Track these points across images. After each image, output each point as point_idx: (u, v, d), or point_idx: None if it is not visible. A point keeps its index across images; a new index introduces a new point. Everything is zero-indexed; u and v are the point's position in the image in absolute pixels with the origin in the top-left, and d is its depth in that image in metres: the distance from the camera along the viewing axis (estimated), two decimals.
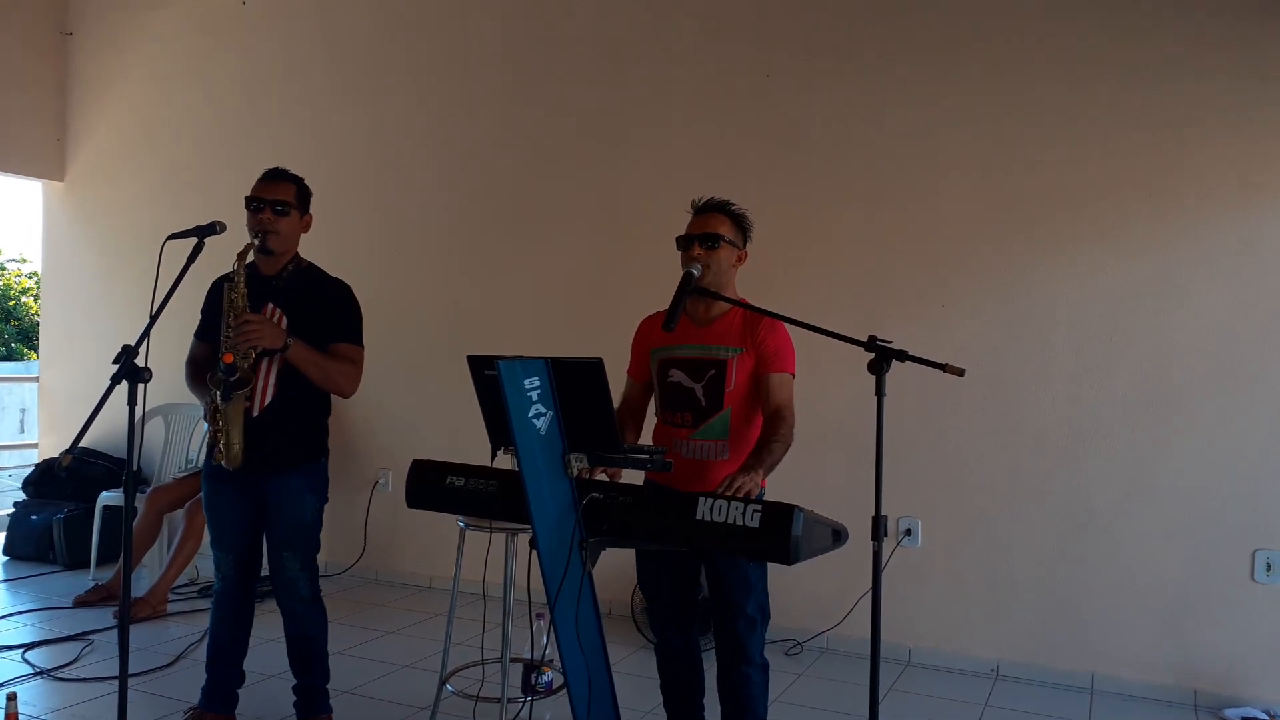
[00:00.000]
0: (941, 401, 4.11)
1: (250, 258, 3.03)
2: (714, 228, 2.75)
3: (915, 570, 4.19)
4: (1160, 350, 3.86)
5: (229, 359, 2.88)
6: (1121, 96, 3.91)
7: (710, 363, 2.74)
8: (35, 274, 16.86)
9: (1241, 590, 3.72)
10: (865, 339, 2.39)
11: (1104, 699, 3.82)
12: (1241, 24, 3.74)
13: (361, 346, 3.16)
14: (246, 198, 3.05)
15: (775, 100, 4.50)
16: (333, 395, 3.19)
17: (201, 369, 3.17)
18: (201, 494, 3.24)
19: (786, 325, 2.69)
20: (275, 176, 3.11)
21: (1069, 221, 3.99)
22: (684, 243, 2.76)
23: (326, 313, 3.10)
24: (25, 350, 17.55)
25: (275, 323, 2.99)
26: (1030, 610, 4.03)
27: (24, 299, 18.30)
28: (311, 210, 3.20)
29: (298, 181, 3.14)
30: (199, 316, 3.23)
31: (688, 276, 2.66)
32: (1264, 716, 3.56)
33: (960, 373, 2.35)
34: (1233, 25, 3.75)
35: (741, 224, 2.82)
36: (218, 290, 3.17)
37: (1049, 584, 4.00)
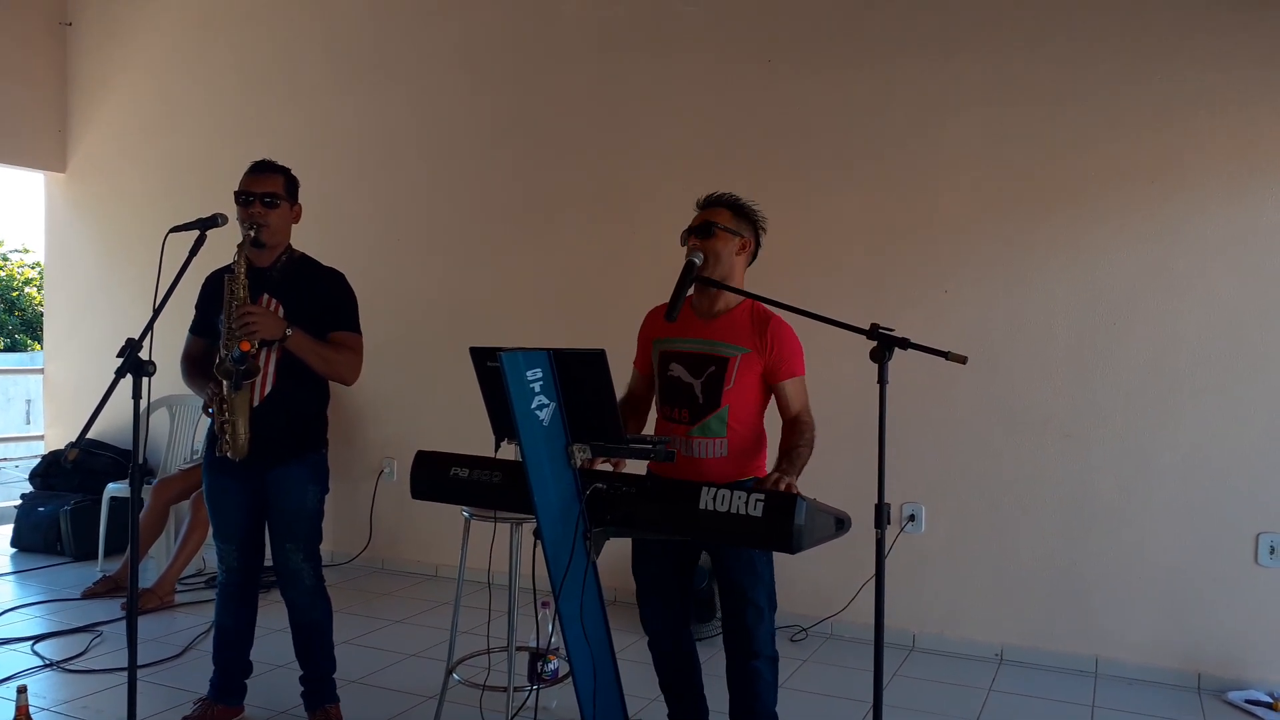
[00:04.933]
0: (945, 387, 4.11)
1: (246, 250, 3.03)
2: (710, 218, 2.73)
3: (919, 556, 4.20)
4: (1163, 336, 3.85)
5: (246, 346, 2.88)
6: (1124, 81, 3.89)
7: (711, 359, 2.71)
8: (38, 265, 16.89)
9: (1245, 574, 3.72)
10: (868, 327, 2.39)
11: (1108, 682, 3.83)
12: (1244, 7, 3.72)
13: (360, 334, 3.17)
14: (235, 192, 3.05)
15: (776, 87, 4.48)
16: (331, 385, 3.20)
17: (197, 364, 3.17)
18: (203, 487, 3.24)
19: (790, 317, 2.67)
20: (262, 169, 3.09)
21: (1071, 207, 3.97)
22: (684, 237, 2.76)
23: (323, 302, 3.10)
24: (29, 342, 17.59)
25: (273, 312, 3.00)
26: (1034, 595, 4.04)
27: (27, 290, 18.33)
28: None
29: (285, 172, 3.13)
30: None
31: (689, 266, 2.64)
32: (1268, 699, 3.57)
33: (963, 360, 2.35)
34: (1236, 9, 3.73)
35: (745, 215, 2.78)
36: (211, 285, 3.17)
37: (1053, 568, 4.01)
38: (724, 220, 2.73)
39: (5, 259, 18.73)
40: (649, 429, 2.93)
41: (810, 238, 4.38)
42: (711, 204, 2.79)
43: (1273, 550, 3.68)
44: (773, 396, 2.77)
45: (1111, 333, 3.92)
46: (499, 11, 5.14)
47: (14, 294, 18.45)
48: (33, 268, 18.18)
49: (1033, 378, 4.04)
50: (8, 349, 17.78)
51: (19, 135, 6.22)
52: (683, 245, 2.75)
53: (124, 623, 4.16)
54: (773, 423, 2.83)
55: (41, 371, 6.73)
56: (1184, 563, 3.81)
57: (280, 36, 5.72)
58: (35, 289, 17.78)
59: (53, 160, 6.42)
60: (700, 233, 2.71)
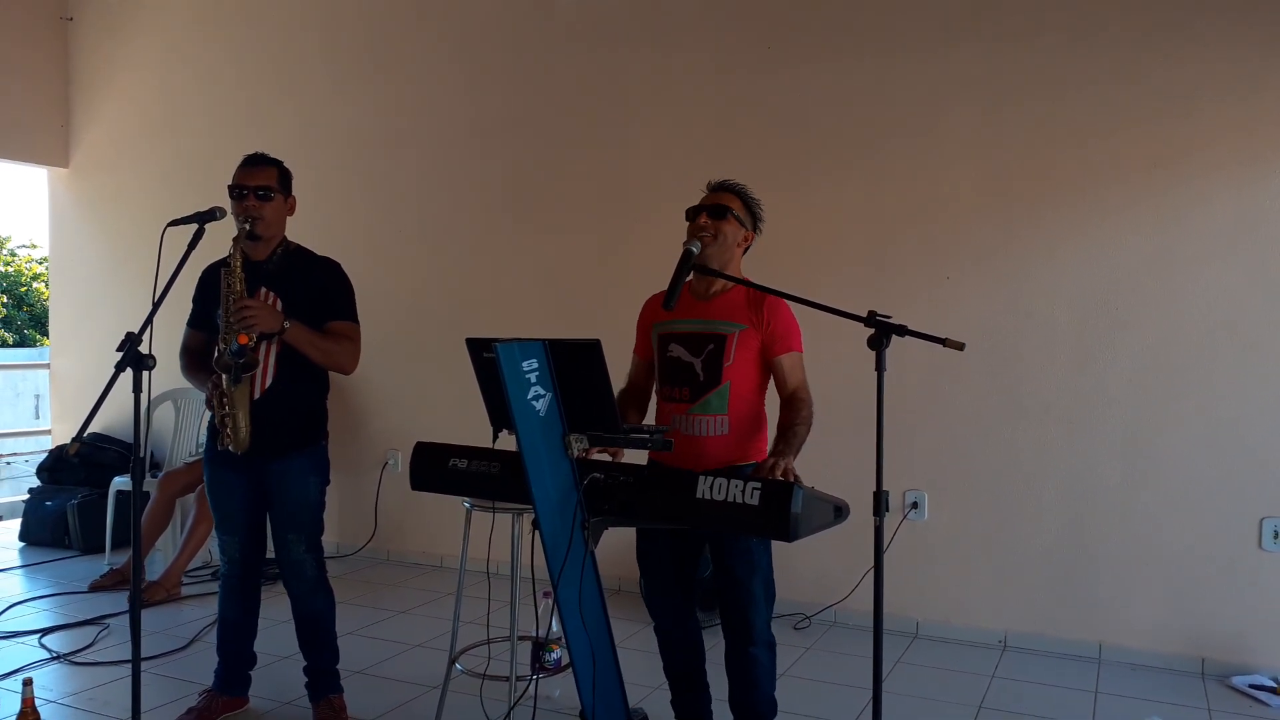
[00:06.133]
0: (947, 375, 4.10)
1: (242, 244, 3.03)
2: (723, 201, 2.76)
3: (922, 543, 4.20)
4: (1164, 322, 3.83)
5: (244, 339, 2.89)
6: (1125, 70, 3.86)
7: (710, 337, 2.72)
8: (45, 260, 16.95)
9: (1249, 558, 3.71)
10: (865, 314, 2.39)
11: (1111, 668, 3.83)
12: None
13: (357, 322, 3.17)
14: (229, 186, 3.05)
15: (776, 76, 4.46)
16: (333, 377, 3.20)
17: (196, 358, 3.17)
18: (204, 480, 3.26)
19: (788, 301, 2.69)
20: (255, 162, 3.09)
21: (1073, 196, 3.96)
22: (692, 213, 2.77)
23: (319, 292, 3.10)
24: (38, 337, 17.67)
25: (271, 305, 3.00)
26: (1037, 581, 4.03)
27: (35, 285, 18.39)
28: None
29: (278, 165, 3.13)
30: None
31: (687, 254, 2.64)
32: (1272, 684, 3.57)
33: (960, 346, 2.34)
34: None
35: (751, 207, 2.82)
36: (207, 278, 3.17)
37: (1056, 554, 4.00)
38: (736, 208, 2.77)
39: (13, 255, 18.80)
40: (649, 419, 2.93)
41: (810, 226, 4.37)
42: (725, 189, 2.82)
43: (1276, 535, 3.67)
44: (771, 376, 2.77)
45: (1114, 320, 3.90)
46: (499, 4, 5.12)
47: (22, 289, 18.52)
48: (40, 263, 18.24)
49: (1036, 365, 4.03)
50: (16, 344, 17.86)
51: (21, 131, 6.23)
52: (689, 221, 2.76)
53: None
54: (773, 409, 2.83)
55: (48, 366, 6.76)
56: (1188, 548, 3.80)
57: (279, 31, 5.71)
58: (43, 284, 17.84)
59: (55, 155, 6.43)
60: (714, 213, 2.73)
